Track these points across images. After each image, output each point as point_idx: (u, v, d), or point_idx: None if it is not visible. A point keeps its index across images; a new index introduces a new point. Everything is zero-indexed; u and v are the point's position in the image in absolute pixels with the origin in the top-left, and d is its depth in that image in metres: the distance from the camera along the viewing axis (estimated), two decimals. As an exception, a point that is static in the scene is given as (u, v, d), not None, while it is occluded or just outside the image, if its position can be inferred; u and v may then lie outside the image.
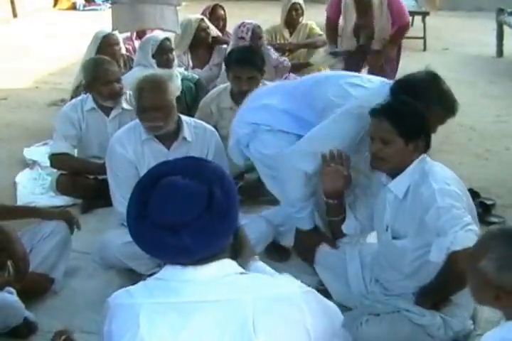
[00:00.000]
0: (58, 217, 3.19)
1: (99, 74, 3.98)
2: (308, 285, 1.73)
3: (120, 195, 3.26)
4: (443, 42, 8.97)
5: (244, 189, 3.85)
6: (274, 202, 3.47)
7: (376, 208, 2.80)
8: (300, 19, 6.25)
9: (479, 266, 1.70)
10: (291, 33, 6.26)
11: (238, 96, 3.98)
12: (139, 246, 1.63)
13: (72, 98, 4.68)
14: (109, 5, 10.40)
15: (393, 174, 2.64)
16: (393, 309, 2.70)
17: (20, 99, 6.56)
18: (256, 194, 3.93)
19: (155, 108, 3.21)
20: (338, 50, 5.77)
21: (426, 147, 2.61)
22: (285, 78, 5.33)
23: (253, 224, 3.21)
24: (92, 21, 9.54)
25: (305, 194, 3.00)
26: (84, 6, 12.35)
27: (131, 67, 5.20)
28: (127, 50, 5.61)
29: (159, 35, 5.12)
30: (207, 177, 1.61)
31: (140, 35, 5.81)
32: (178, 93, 3.43)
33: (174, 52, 5.03)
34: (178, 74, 4.91)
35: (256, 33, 5.32)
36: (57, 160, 4.07)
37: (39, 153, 4.88)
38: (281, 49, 6.00)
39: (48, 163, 4.25)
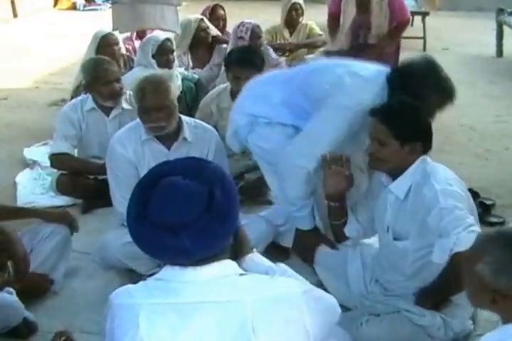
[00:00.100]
0: (58, 220, 3.17)
1: (99, 74, 3.98)
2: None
3: (120, 195, 3.26)
4: (443, 43, 8.97)
5: (245, 189, 3.86)
6: (273, 202, 3.47)
7: (377, 209, 2.79)
8: (300, 19, 6.25)
9: (475, 270, 1.69)
10: (291, 33, 6.27)
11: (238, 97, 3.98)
12: (139, 247, 1.63)
13: (72, 98, 4.68)
14: (109, 5, 10.40)
15: (393, 175, 2.64)
16: (393, 309, 2.70)
17: (20, 99, 6.57)
18: (256, 194, 3.93)
19: (157, 108, 3.20)
20: (331, 49, 5.77)
21: (426, 149, 2.61)
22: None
23: (253, 224, 3.21)
24: (92, 21, 9.54)
25: (306, 192, 2.99)
26: (84, 6, 12.36)
27: (131, 67, 5.20)
28: (127, 50, 5.61)
29: (160, 35, 5.11)
30: (207, 178, 1.61)
31: (140, 35, 5.82)
32: (178, 93, 3.43)
33: (175, 53, 5.03)
34: (179, 74, 4.91)
35: (255, 32, 5.33)
36: (57, 160, 4.07)
37: (39, 153, 4.88)
38: (281, 49, 6.01)
39: (48, 163, 4.25)
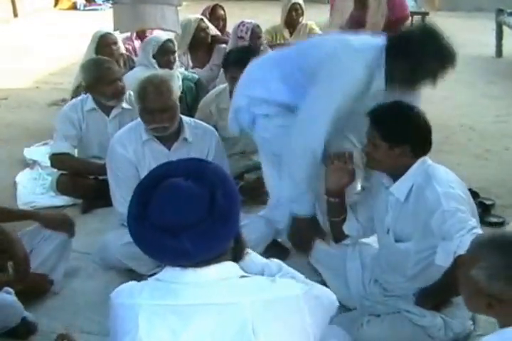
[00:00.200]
0: (56, 226, 3.11)
1: (102, 75, 3.98)
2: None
3: (120, 196, 3.26)
4: (443, 43, 8.96)
5: (245, 189, 3.86)
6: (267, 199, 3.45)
7: (376, 210, 2.79)
8: (300, 19, 6.26)
9: (471, 275, 1.68)
10: (291, 33, 6.27)
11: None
12: (139, 247, 1.63)
13: (72, 98, 4.68)
14: (109, 5, 10.42)
15: (394, 176, 2.64)
16: (393, 310, 2.70)
17: (20, 99, 6.57)
18: (256, 194, 3.93)
19: (161, 110, 3.20)
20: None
21: (417, 152, 2.58)
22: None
23: (253, 224, 3.21)
24: (92, 21, 9.55)
25: (310, 174, 2.93)
26: (84, 5, 12.38)
27: (131, 67, 5.20)
28: (127, 49, 5.61)
29: (162, 36, 5.11)
30: (209, 180, 1.60)
31: (140, 35, 5.82)
32: (179, 93, 3.42)
33: (176, 54, 5.03)
34: (179, 74, 4.92)
35: (255, 32, 5.33)
36: (57, 160, 4.07)
37: (39, 152, 4.88)
38: (281, 49, 6.00)
39: (48, 163, 4.25)
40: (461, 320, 2.65)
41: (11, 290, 2.76)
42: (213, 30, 5.76)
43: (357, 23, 5.57)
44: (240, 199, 1.67)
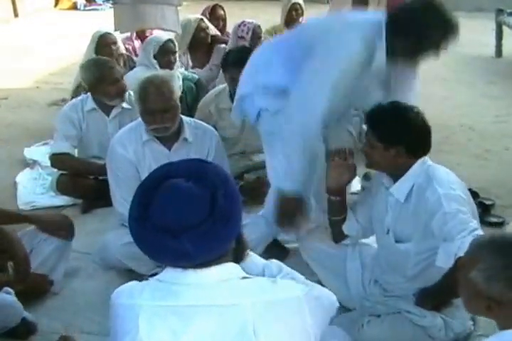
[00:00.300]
0: (54, 230, 3.08)
1: (105, 74, 3.97)
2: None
3: (120, 196, 3.27)
4: (442, 43, 8.97)
5: (245, 189, 3.86)
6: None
7: (376, 210, 2.79)
8: (300, 19, 6.25)
9: (469, 277, 1.67)
10: (291, 33, 6.26)
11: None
12: (140, 248, 1.62)
13: (72, 98, 4.68)
14: (109, 5, 10.43)
15: (394, 176, 2.64)
16: (394, 310, 2.70)
17: (20, 98, 6.57)
18: (256, 194, 3.93)
19: (163, 110, 3.20)
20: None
21: (412, 153, 2.57)
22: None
23: (253, 224, 3.21)
24: (92, 21, 9.55)
25: (305, 151, 2.84)
26: (85, 5, 12.39)
27: (131, 67, 5.20)
28: (127, 49, 5.62)
29: (163, 36, 5.12)
30: (210, 181, 1.59)
31: (140, 35, 5.82)
32: (180, 93, 3.42)
33: (177, 54, 5.03)
34: (179, 74, 4.92)
35: (256, 32, 5.35)
36: (57, 160, 4.07)
37: (39, 152, 4.89)
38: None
39: (48, 163, 4.25)
40: (462, 321, 2.65)
41: (10, 290, 2.76)
42: (213, 30, 5.76)
43: None
44: (241, 200, 1.66)
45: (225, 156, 3.55)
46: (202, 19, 5.63)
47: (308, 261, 3.07)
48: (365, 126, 2.83)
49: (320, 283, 2.97)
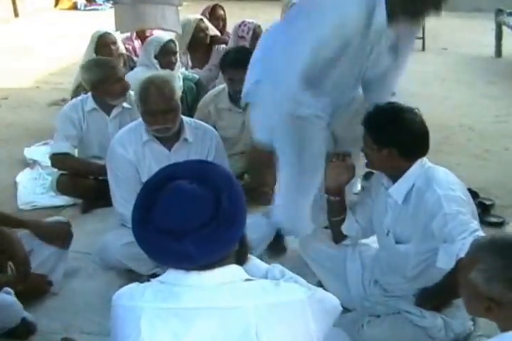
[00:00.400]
0: (51, 239, 3.07)
1: (108, 74, 3.97)
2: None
3: (120, 196, 3.25)
4: (442, 43, 8.97)
5: (245, 189, 3.85)
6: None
7: (375, 211, 2.79)
8: (300, 19, 6.25)
9: (469, 278, 1.67)
10: (291, 33, 6.26)
11: (236, 98, 3.98)
12: (142, 250, 1.61)
13: (72, 98, 4.68)
14: (110, 5, 10.43)
15: (393, 177, 2.64)
16: (394, 310, 2.70)
17: (20, 98, 6.57)
18: (256, 194, 3.94)
19: (164, 111, 3.19)
20: None
21: (413, 154, 2.57)
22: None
23: (254, 224, 3.21)
24: (92, 21, 9.55)
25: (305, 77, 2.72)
26: (85, 5, 12.38)
27: (131, 67, 5.21)
28: (127, 49, 5.61)
29: (164, 36, 5.12)
30: (214, 183, 1.58)
31: (140, 35, 5.82)
32: (180, 93, 3.42)
33: (178, 55, 5.03)
34: (180, 74, 4.92)
35: (256, 32, 5.35)
36: (58, 160, 4.07)
37: (39, 152, 4.89)
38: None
39: (48, 163, 4.25)
40: (462, 321, 2.64)
41: (10, 290, 2.76)
42: (213, 31, 5.76)
43: None
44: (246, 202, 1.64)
45: (225, 156, 3.55)
46: (201, 19, 5.63)
47: (308, 262, 3.07)
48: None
49: (319, 284, 2.98)
